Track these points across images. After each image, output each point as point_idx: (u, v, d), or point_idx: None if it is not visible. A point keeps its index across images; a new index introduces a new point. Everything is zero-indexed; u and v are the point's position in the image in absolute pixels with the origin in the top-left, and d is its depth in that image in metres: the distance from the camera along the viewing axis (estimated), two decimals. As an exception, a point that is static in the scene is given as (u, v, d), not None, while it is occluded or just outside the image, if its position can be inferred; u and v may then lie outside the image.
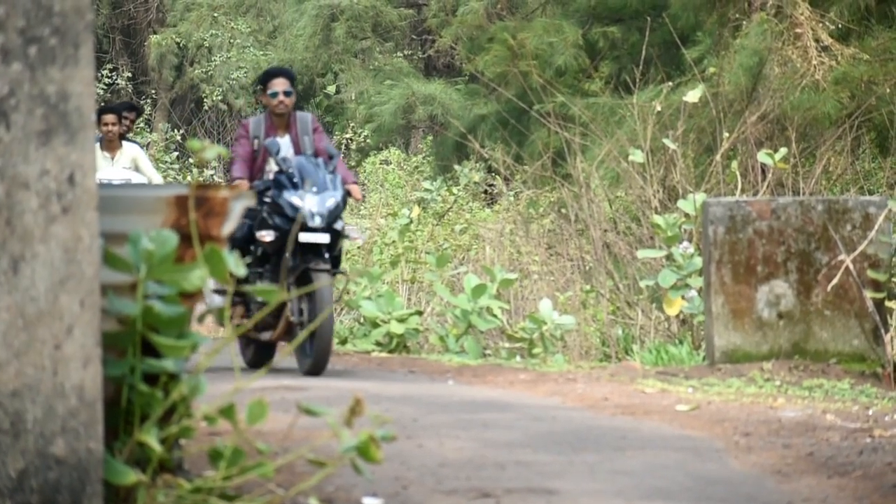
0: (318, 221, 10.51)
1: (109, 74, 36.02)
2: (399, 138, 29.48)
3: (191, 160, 29.53)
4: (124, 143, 15.29)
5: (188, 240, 4.73)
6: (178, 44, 36.16)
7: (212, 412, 4.76)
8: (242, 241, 10.96)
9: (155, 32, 37.23)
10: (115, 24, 38.69)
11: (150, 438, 4.61)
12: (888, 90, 17.56)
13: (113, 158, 15.04)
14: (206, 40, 35.83)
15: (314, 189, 10.58)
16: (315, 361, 10.31)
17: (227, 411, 4.74)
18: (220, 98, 36.56)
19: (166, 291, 4.67)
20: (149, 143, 32.89)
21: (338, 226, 10.60)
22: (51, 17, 4.32)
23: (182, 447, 4.89)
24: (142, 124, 34.05)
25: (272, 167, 10.94)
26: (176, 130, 34.85)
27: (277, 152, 10.78)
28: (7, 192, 4.26)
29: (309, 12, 32.36)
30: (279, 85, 11.11)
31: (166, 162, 30.19)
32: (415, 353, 13.53)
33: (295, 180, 10.61)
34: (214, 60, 36.23)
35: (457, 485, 6.70)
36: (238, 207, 4.85)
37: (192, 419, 4.75)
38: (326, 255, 10.52)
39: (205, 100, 36.52)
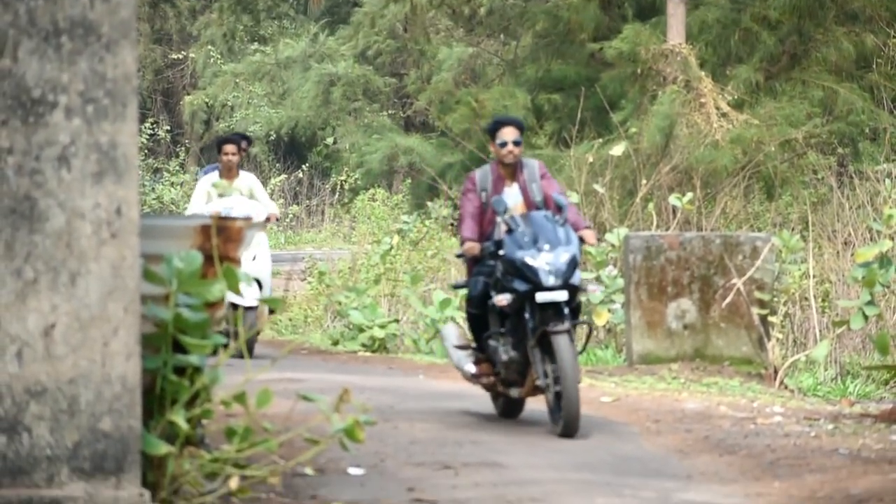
0: (552, 280, 8.09)
1: (151, 127, 35.96)
2: (383, 180, 29.44)
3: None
4: (241, 171, 12.80)
5: (211, 260, 4.76)
6: (206, 103, 36.12)
7: (228, 398, 4.78)
8: (479, 299, 8.59)
9: (188, 94, 37.21)
10: (156, 86, 38.70)
11: (179, 418, 4.63)
12: (773, 148, 17.66)
13: (231, 186, 12.61)
14: (229, 100, 35.83)
15: (547, 246, 8.18)
16: (565, 424, 7.90)
17: (240, 397, 4.77)
18: (239, 147, 36.56)
19: (193, 301, 4.70)
20: (182, 183, 32.82)
21: (574, 279, 8.18)
22: (104, 82, 4.35)
23: (203, 426, 4.90)
24: (177, 167, 34.00)
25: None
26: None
27: (505, 210, 8.35)
28: (68, 221, 4.29)
29: (312, 79, 32.45)
30: (508, 134, 8.61)
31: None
32: (393, 353, 13.53)
33: (526, 239, 8.21)
34: (235, 117, 36.23)
35: (424, 458, 6.72)
36: (250, 235, 4.88)
37: (212, 403, 4.77)
38: (566, 311, 8.11)
39: (228, 148, 36.45)
